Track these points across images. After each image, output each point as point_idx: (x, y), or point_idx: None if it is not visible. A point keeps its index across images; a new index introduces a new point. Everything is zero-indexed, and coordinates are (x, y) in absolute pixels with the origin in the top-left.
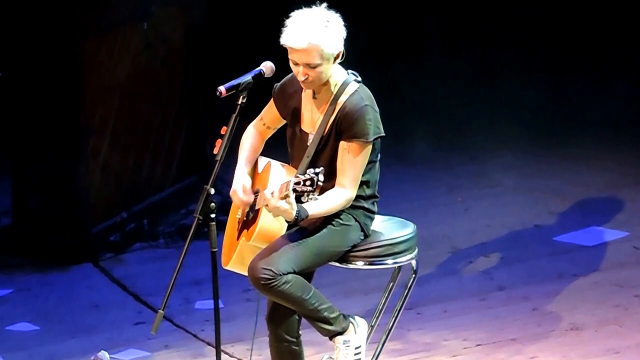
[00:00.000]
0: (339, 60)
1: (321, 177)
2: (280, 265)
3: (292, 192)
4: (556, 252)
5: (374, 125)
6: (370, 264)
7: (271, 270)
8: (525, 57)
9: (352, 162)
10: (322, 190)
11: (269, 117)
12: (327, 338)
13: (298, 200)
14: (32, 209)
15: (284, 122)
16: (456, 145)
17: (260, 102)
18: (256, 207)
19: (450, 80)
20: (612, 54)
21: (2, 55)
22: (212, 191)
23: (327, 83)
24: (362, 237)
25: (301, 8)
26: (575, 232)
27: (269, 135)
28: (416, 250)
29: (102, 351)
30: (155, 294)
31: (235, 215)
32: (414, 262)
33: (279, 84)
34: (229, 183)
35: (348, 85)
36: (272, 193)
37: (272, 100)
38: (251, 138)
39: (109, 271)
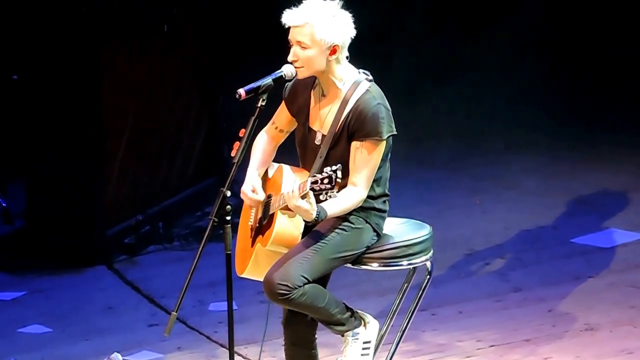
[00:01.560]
0: (337, 57)
1: (339, 174)
2: (295, 278)
3: (310, 191)
4: (573, 253)
5: (387, 123)
6: (385, 265)
7: (287, 285)
8: (544, 60)
9: (366, 161)
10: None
11: (281, 120)
12: (341, 339)
13: (316, 199)
14: (46, 211)
15: (296, 124)
16: (475, 148)
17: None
18: (270, 212)
19: (469, 83)
20: (629, 54)
21: (20, 58)
22: (229, 194)
23: (333, 80)
24: (375, 238)
25: None
26: (592, 234)
27: (282, 140)
28: (431, 251)
29: (116, 353)
30: (168, 296)
31: (247, 222)
32: (428, 264)
33: (290, 83)
34: None
35: (359, 85)
36: (291, 192)
37: (283, 100)
38: (263, 142)
39: (123, 273)
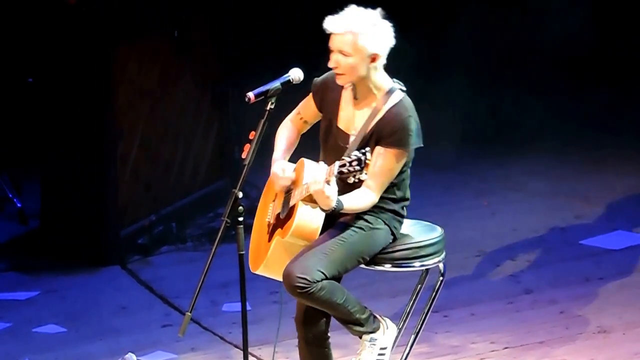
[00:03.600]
0: (376, 64)
1: (368, 156)
2: (314, 272)
3: (335, 176)
4: (583, 255)
5: (415, 136)
6: (398, 266)
7: (306, 279)
8: (551, 64)
9: (385, 168)
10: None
11: (306, 111)
12: (355, 340)
13: (344, 182)
14: (61, 212)
15: (320, 117)
16: (484, 151)
17: (288, 109)
18: (291, 204)
19: (478, 86)
20: (630, 55)
21: (34, 61)
22: (240, 195)
23: (369, 86)
24: (391, 240)
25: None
26: (602, 235)
27: (305, 130)
28: (444, 253)
29: (130, 353)
30: (182, 297)
31: (264, 219)
32: (441, 265)
33: (320, 77)
34: (257, 186)
35: (393, 94)
36: (314, 178)
37: (310, 93)
38: (287, 131)
39: (137, 273)
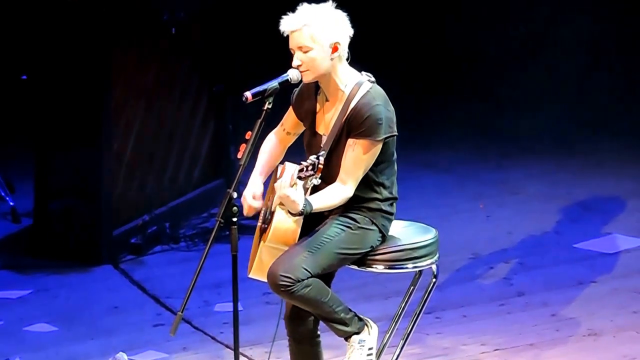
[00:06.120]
0: (338, 54)
1: (321, 160)
2: (299, 271)
3: (298, 180)
4: (576, 258)
5: (386, 124)
6: (390, 268)
7: (290, 278)
8: (551, 67)
9: (357, 160)
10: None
11: (289, 123)
12: (344, 341)
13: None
14: (54, 211)
15: (303, 127)
16: (480, 153)
17: (287, 108)
18: (272, 209)
19: (476, 89)
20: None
21: (31, 58)
22: (235, 195)
23: (336, 83)
24: (380, 239)
25: None
26: (596, 239)
27: (290, 142)
28: (437, 255)
29: (121, 352)
30: (174, 297)
31: (259, 223)
32: (434, 267)
33: (297, 89)
34: None
35: (361, 86)
36: (281, 182)
37: (290, 106)
38: (270, 145)
39: (129, 273)
